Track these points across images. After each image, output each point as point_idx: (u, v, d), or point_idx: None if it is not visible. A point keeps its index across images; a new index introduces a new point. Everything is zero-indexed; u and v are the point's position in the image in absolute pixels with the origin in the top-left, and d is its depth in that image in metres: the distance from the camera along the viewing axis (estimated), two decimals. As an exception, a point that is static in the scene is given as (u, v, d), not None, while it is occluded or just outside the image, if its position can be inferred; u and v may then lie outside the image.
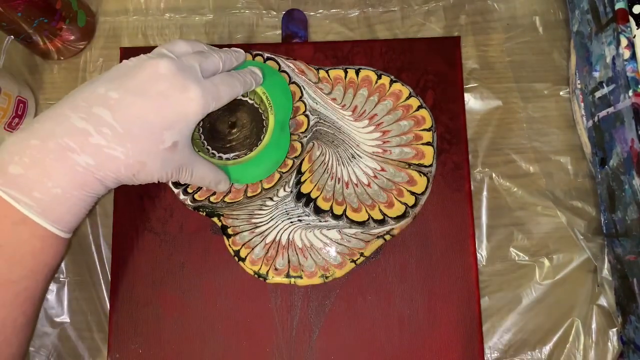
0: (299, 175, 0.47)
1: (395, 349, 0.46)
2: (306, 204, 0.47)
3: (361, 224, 0.46)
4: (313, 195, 0.47)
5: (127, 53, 0.51)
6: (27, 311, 0.37)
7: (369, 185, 0.47)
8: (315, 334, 0.46)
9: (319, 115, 0.48)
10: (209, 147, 0.45)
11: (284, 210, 0.47)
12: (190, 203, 0.47)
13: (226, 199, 0.46)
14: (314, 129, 0.48)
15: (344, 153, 0.48)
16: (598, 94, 0.46)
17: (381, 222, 0.46)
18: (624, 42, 0.42)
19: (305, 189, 0.47)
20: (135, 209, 0.49)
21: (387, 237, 0.46)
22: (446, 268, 0.47)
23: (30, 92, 0.52)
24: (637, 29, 0.43)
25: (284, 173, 0.47)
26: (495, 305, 0.48)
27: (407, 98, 0.49)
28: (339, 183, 0.47)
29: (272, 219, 0.47)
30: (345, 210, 0.46)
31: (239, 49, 0.45)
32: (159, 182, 0.39)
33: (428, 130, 0.48)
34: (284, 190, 0.47)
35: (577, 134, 0.51)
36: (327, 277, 0.46)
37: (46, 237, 0.36)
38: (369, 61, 0.50)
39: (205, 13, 0.55)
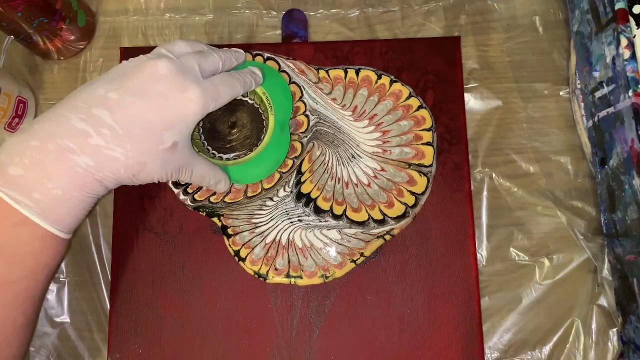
0: (299, 175, 0.47)
1: (395, 349, 0.46)
2: (306, 204, 0.47)
3: (361, 224, 0.46)
4: (313, 195, 0.47)
5: (127, 53, 0.51)
6: (27, 311, 0.37)
7: (369, 185, 0.47)
8: (315, 334, 0.46)
9: (319, 115, 0.48)
10: (209, 147, 0.45)
11: (284, 211, 0.47)
12: (190, 203, 0.47)
13: (226, 199, 0.46)
14: (314, 129, 0.48)
15: (344, 153, 0.48)
16: (598, 94, 0.46)
17: (381, 222, 0.46)
18: (624, 42, 0.42)
19: (305, 189, 0.47)
20: (135, 209, 0.49)
21: (387, 237, 0.46)
22: (446, 268, 0.47)
23: (30, 92, 0.52)
24: (637, 29, 0.43)
25: (284, 173, 0.47)
26: (495, 305, 0.48)
27: (407, 98, 0.49)
28: (339, 183, 0.47)
29: (272, 219, 0.47)
30: (345, 210, 0.46)
31: (238, 49, 0.45)
32: (159, 182, 0.39)
33: (428, 130, 0.48)
34: (284, 190, 0.47)
35: (577, 134, 0.51)
36: (327, 277, 0.46)
37: (46, 237, 0.36)
38: (369, 61, 0.50)
39: (205, 13, 0.55)
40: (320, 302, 0.47)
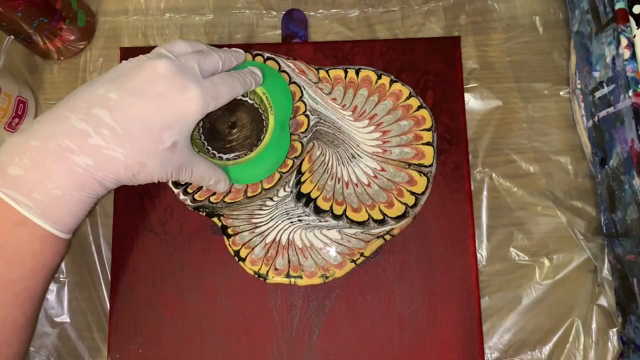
0: (299, 175, 0.47)
1: (395, 349, 0.46)
2: (306, 204, 0.47)
3: (361, 224, 0.46)
4: (313, 195, 0.47)
5: (127, 53, 0.51)
6: (27, 311, 0.37)
7: (369, 185, 0.47)
8: (315, 334, 0.46)
9: (319, 115, 0.48)
10: (209, 147, 0.45)
11: (284, 210, 0.47)
12: (190, 203, 0.47)
13: (226, 199, 0.46)
14: (314, 129, 0.48)
15: (344, 153, 0.48)
16: (598, 94, 0.46)
17: (381, 222, 0.46)
18: (624, 42, 0.42)
19: (305, 189, 0.47)
20: (135, 209, 0.49)
21: (387, 237, 0.46)
22: (446, 268, 0.47)
23: (30, 92, 0.52)
24: (637, 29, 0.43)
25: (284, 173, 0.47)
26: (495, 305, 0.48)
27: (407, 98, 0.49)
28: (339, 183, 0.47)
29: (272, 219, 0.47)
30: (345, 210, 0.46)
31: (238, 49, 0.45)
32: (158, 182, 0.39)
33: (428, 130, 0.48)
34: (284, 190, 0.47)
35: (577, 134, 0.51)
36: (327, 277, 0.46)
37: (46, 237, 0.36)
38: (369, 61, 0.50)
39: (205, 13, 0.55)
40: (320, 302, 0.47)
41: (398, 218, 0.46)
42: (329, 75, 0.49)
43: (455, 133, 0.49)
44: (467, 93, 0.52)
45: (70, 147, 0.34)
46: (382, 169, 0.47)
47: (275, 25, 0.54)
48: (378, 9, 0.54)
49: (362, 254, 0.46)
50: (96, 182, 0.36)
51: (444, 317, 0.46)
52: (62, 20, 0.50)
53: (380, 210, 0.46)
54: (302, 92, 0.48)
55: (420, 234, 0.47)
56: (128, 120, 0.35)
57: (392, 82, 0.49)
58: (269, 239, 0.46)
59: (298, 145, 0.47)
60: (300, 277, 0.46)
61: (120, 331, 0.47)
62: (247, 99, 0.46)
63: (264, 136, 0.45)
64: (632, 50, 0.42)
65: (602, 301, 0.48)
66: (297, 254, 0.46)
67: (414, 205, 0.47)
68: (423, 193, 0.47)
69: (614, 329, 0.47)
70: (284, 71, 0.48)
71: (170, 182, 0.47)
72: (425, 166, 0.47)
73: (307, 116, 0.48)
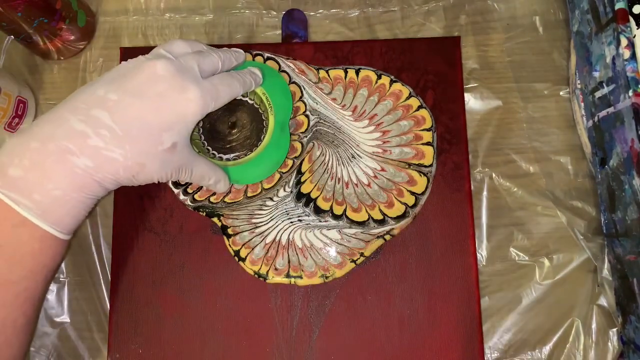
0: (299, 176, 0.47)
1: (395, 349, 0.46)
2: (306, 204, 0.47)
3: (361, 224, 0.46)
4: (313, 195, 0.47)
5: (127, 53, 0.51)
6: (28, 312, 0.37)
7: (369, 185, 0.47)
8: (315, 334, 0.46)
9: (319, 115, 0.48)
10: (209, 148, 0.45)
11: (284, 211, 0.47)
12: (190, 203, 0.47)
13: (226, 199, 0.46)
14: (314, 129, 0.48)
15: (344, 153, 0.48)
16: (598, 94, 0.46)
17: (381, 222, 0.46)
18: (624, 42, 0.42)
19: (305, 189, 0.47)
20: (135, 209, 0.49)
21: (387, 237, 0.46)
22: (446, 268, 0.47)
23: (30, 92, 0.52)
24: (637, 29, 0.42)
25: (284, 173, 0.47)
26: (495, 305, 0.48)
27: (407, 98, 0.49)
28: (339, 183, 0.47)
29: (272, 219, 0.47)
30: (345, 210, 0.46)
31: (238, 49, 0.45)
32: (158, 182, 0.39)
33: (428, 130, 0.48)
34: (284, 190, 0.47)
35: (577, 134, 0.51)
36: (327, 277, 0.46)
37: (46, 238, 0.36)
38: (369, 61, 0.50)
39: (205, 13, 0.55)
40: (320, 302, 0.47)
41: (398, 218, 0.46)
42: (329, 75, 0.49)
43: (455, 133, 0.49)
44: (467, 93, 0.52)
45: (70, 149, 0.34)
46: (382, 169, 0.47)
47: (275, 25, 0.54)
48: (378, 9, 0.54)
49: (362, 254, 0.46)
50: (96, 183, 0.36)
51: (444, 317, 0.46)
52: (62, 20, 0.50)
53: (380, 210, 0.46)
54: (302, 92, 0.48)
55: (420, 234, 0.47)
56: (127, 121, 0.35)
57: (392, 82, 0.49)
58: (269, 239, 0.46)
59: (298, 145, 0.47)
60: (300, 277, 0.46)
61: (120, 331, 0.47)
62: (247, 99, 0.46)
63: (264, 136, 0.45)
64: (632, 50, 0.42)
65: (602, 301, 0.48)
66: (297, 254, 0.46)
67: (414, 205, 0.47)
68: (423, 193, 0.47)
69: (614, 329, 0.47)
70: (284, 71, 0.48)
71: (170, 182, 0.47)
72: (425, 166, 0.47)
73: (307, 116, 0.48)
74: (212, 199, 0.46)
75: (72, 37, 0.52)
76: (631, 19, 0.43)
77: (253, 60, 0.49)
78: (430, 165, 0.47)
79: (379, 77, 0.49)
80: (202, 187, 0.46)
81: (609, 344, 0.47)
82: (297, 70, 0.49)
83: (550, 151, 0.51)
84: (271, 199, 0.47)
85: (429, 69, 0.50)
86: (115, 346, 0.47)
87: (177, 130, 0.37)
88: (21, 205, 0.34)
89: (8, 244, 0.35)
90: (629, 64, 0.42)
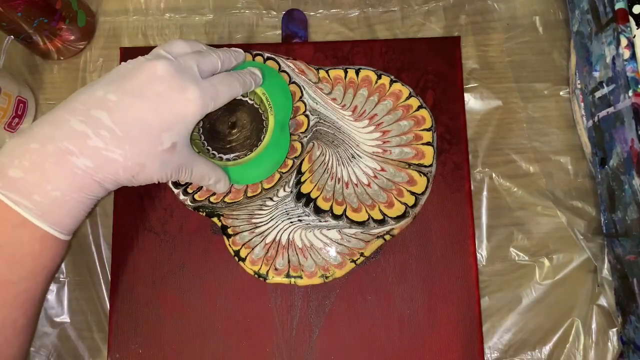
0: (299, 176, 0.47)
1: (395, 349, 0.46)
2: (306, 204, 0.47)
3: (361, 224, 0.46)
4: (313, 195, 0.47)
5: (127, 53, 0.51)
6: (28, 312, 0.37)
7: (369, 185, 0.47)
8: (315, 334, 0.46)
9: (319, 115, 0.48)
10: (209, 148, 0.45)
11: (284, 210, 0.47)
12: (190, 203, 0.47)
13: (226, 199, 0.46)
14: (314, 129, 0.48)
15: (344, 153, 0.48)
16: (598, 94, 0.46)
17: (381, 222, 0.46)
18: (624, 42, 0.42)
19: (305, 189, 0.47)
20: (135, 209, 0.49)
21: (387, 237, 0.46)
22: (446, 268, 0.47)
23: (30, 92, 0.52)
24: (637, 29, 0.42)
25: (284, 173, 0.47)
26: (495, 305, 0.48)
27: (407, 98, 0.48)
28: (339, 183, 0.47)
29: (272, 219, 0.47)
30: (345, 210, 0.46)
31: (238, 49, 0.45)
32: (158, 182, 0.39)
33: (428, 130, 0.48)
34: (284, 190, 0.47)
35: (577, 134, 0.51)
36: (327, 277, 0.46)
37: (46, 239, 0.36)
38: (369, 61, 0.50)
39: (205, 13, 0.55)
40: (320, 302, 0.47)
41: (398, 218, 0.46)
42: (329, 75, 0.49)
43: (455, 133, 0.49)
44: (467, 93, 0.52)
45: (70, 149, 0.35)
46: (382, 169, 0.47)
47: (275, 25, 0.54)
48: (378, 9, 0.54)
49: (362, 254, 0.46)
50: (96, 184, 0.36)
51: (444, 318, 0.46)
52: (62, 20, 0.50)
53: (380, 210, 0.46)
54: (302, 92, 0.48)
55: (420, 234, 0.47)
56: (127, 122, 0.35)
57: (392, 82, 0.49)
58: (269, 239, 0.46)
59: (298, 145, 0.47)
60: (300, 277, 0.46)
61: (120, 331, 0.47)
62: (247, 99, 0.46)
63: (264, 136, 0.45)
64: (632, 50, 0.42)
65: (602, 301, 0.48)
66: (297, 254, 0.46)
67: (414, 205, 0.47)
68: (423, 193, 0.47)
69: (614, 329, 0.47)
70: (284, 71, 0.48)
71: (170, 182, 0.47)
72: (425, 166, 0.47)
73: (307, 116, 0.48)
74: (212, 199, 0.46)
75: (72, 37, 0.52)
76: (631, 19, 0.43)
77: (253, 60, 0.49)
78: (430, 165, 0.47)
79: (379, 77, 0.49)
80: (202, 187, 0.46)
81: (609, 344, 0.47)
82: (297, 70, 0.49)
83: (550, 151, 0.51)
84: (271, 199, 0.47)
85: (429, 69, 0.50)
86: (115, 346, 0.47)
87: (176, 131, 0.37)
88: (21, 206, 0.34)
89: (8, 245, 0.35)
90: (629, 64, 0.42)
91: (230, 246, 0.47)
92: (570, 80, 0.51)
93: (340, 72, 0.49)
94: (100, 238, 0.50)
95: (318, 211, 0.46)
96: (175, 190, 0.47)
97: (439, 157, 0.48)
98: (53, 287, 0.50)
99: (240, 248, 0.46)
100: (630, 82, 0.41)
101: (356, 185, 0.47)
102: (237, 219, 0.47)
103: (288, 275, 0.46)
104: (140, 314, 0.47)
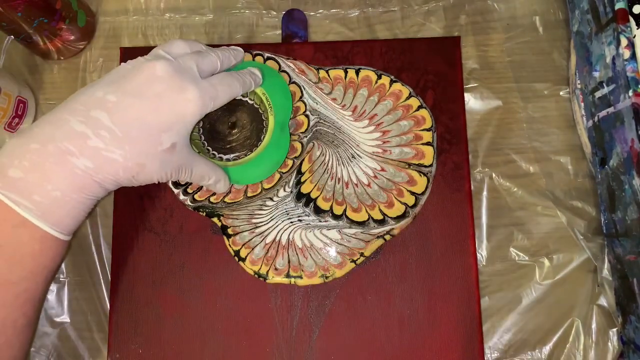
0: (299, 176, 0.47)
1: (395, 349, 0.46)
2: (306, 204, 0.47)
3: (361, 224, 0.46)
4: (313, 195, 0.47)
5: (127, 53, 0.51)
6: (28, 312, 0.37)
7: (369, 185, 0.47)
8: (315, 334, 0.46)
9: (319, 115, 0.48)
10: (209, 148, 0.45)
11: (284, 211, 0.47)
12: (190, 203, 0.47)
13: (226, 199, 0.46)
14: (314, 129, 0.48)
15: (344, 153, 0.48)
16: (598, 94, 0.46)
17: (381, 222, 0.46)
18: (624, 42, 0.42)
19: (305, 189, 0.47)
20: (135, 209, 0.49)
21: (387, 237, 0.46)
22: (446, 268, 0.47)
23: (30, 92, 0.52)
24: (637, 29, 0.42)
25: (284, 173, 0.47)
26: (495, 305, 0.48)
27: (407, 98, 0.48)
28: (339, 183, 0.47)
29: (272, 219, 0.47)
30: (345, 210, 0.46)
31: (237, 47, 0.45)
32: (158, 182, 0.39)
33: (428, 130, 0.48)
34: (284, 190, 0.47)
35: (577, 134, 0.51)
36: (327, 277, 0.46)
37: (46, 239, 0.36)
38: (369, 61, 0.50)
39: (205, 13, 0.55)
40: (320, 302, 0.47)
41: (398, 218, 0.46)
42: (329, 75, 0.49)
43: (455, 133, 0.49)
44: (467, 93, 0.52)
45: (70, 150, 0.35)
46: (382, 169, 0.47)
47: (275, 25, 0.54)
48: (378, 9, 0.54)
49: (362, 254, 0.46)
50: (96, 184, 0.36)
51: (444, 317, 0.46)
52: (62, 20, 0.50)
53: (380, 210, 0.46)
54: (302, 92, 0.48)
55: (420, 234, 0.47)
56: (127, 122, 0.35)
57: (392, 82, 0.49)
58: (269, 239, 0.46)
59: (298, 145, 0.47)
60: (300, 277, 0.46)
61: (120, 331, 0.47)
62: (246, 99, 0.46)
63: (264, 136, 0.45)
64: (632, 50, 0.42)
65: (602, 301, 0.48)
66: (297, 254, 0.46)
67: (414, 205, 0.47)
68: (423, 193, 0.47)
69: (614, 329, 0.47)
70: (284, 71, 0.48)
71: (170, 182, 0.47)
72: (425, 166, 0.47)
73: (307, 116, 0.48)
74: (212, 199, 0.46)
75: (72, 37, 0.52)
76: (631, 19, 0.43)
77: (253, 60, 0.48)
78: (430, 165, 0.47)
79: (379, 77, 0.49)
80: (202, 187, 0.46)
81: (609, 344, 0.47)
82: (297, 70, 0.49)
83: (550, 151, 0.51)
84: (271, 199, 0.47)
85: (429, 69, 0.50)
86: (115, 346, 0.47)
87: (176, 131, 0.37)
88: (21, 206, 0.34)
89: (8, 245, 0.35)
90: (629, 64, 0.42)
91: (230, 246, 0.47)
92: (570, 80, 0.51)
93: (340, 72, 0.49)
94: (100, 238, 0.50)
95: (318, 211, 0.46)
96: (175, 190, 0.47)
97: (439, 157, 0.48)
98: (53, 287, 0.50)
99: (240, 248, 0.46)
100: (630, 82, 0.41)
101: (356, 185, 0.47)
102: (237, 219, 0.47)
103: (288, 275, 0.46)
104: (140, 314, 0.47)
